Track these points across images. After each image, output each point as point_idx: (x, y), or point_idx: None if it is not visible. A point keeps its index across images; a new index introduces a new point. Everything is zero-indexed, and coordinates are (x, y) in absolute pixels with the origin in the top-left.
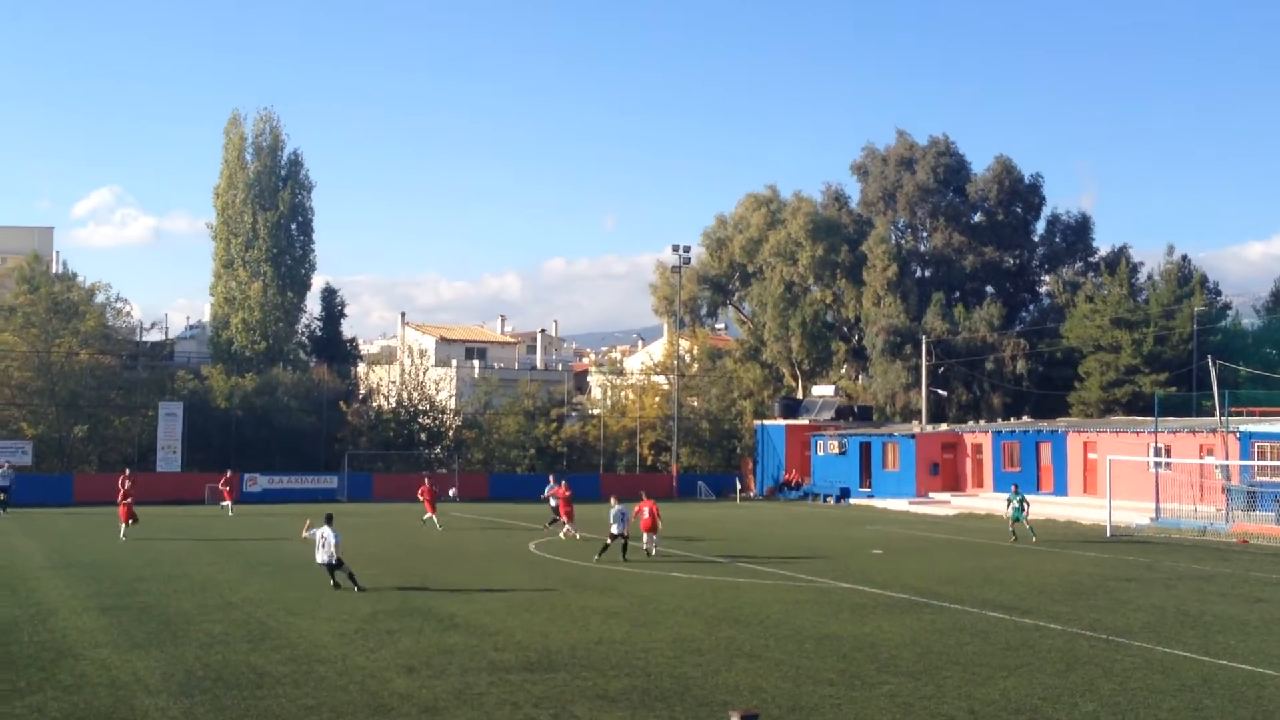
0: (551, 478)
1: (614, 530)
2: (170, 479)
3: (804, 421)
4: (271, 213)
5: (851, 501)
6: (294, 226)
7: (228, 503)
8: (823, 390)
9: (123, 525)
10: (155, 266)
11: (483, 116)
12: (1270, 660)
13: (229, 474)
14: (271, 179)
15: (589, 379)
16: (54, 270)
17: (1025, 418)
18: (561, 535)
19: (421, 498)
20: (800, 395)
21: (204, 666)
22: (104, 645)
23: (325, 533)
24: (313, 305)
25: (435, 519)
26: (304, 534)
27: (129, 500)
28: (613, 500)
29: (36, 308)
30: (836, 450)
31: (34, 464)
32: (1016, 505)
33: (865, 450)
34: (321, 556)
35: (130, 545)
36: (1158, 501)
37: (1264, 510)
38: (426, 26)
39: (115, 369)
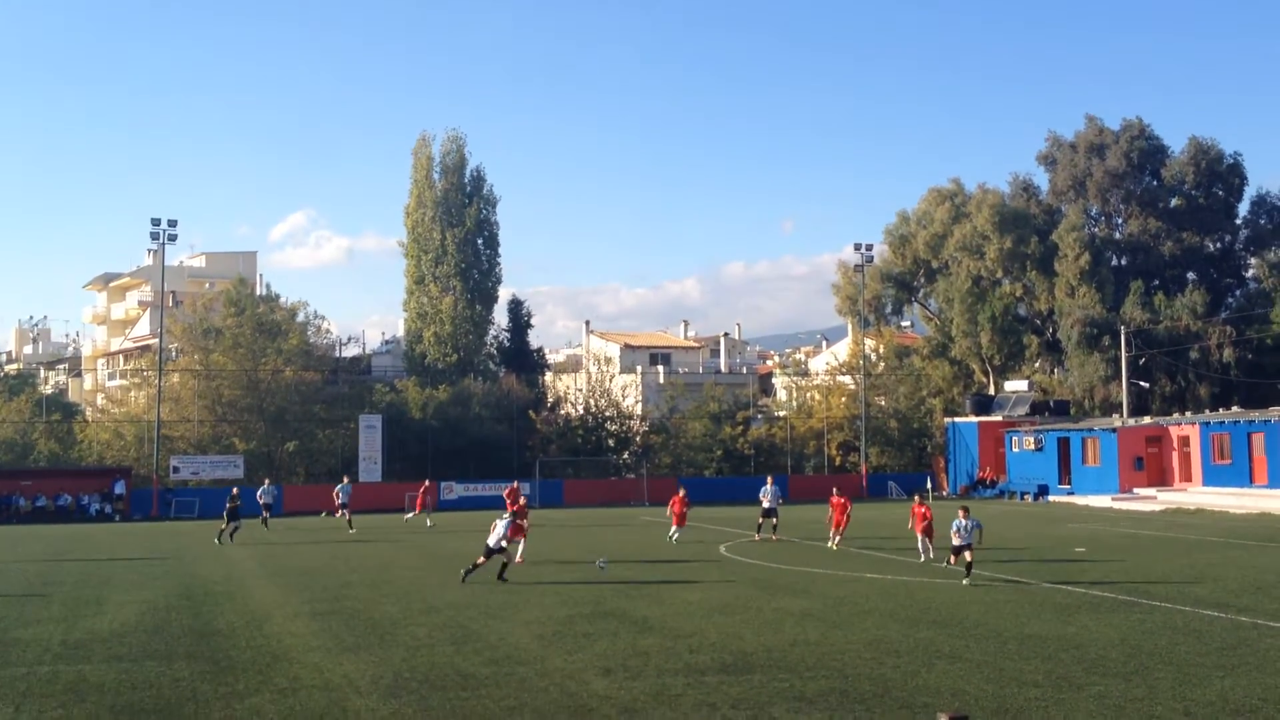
0: (770, 478)
1: (957, 542)
2: (372, 489)
3: (997, 418)
4: (459, 229)
5: (1050, 499)
6: (480, 241)
7: (416, 512)
8: (1016, 385)
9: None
10: (349, 285)
11: (656, 124)
12: None
13: (427, 483)
14: (458, 196)
15: (774, 381)
16: (258, 292)
17: (1235, 408)
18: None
19: (507, 498)
20: (992, 391)
21: (410, 669)
22: (315, 649)
23: (500, 522)
24: (500, 317)
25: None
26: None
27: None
28: (961, 514)
29: (244, 329)
30: (1032, 446)
31: (245, 477)
32: None
33: (1063, 446)
34: (492, 539)
35: (336, 551)
36: None
37: None
38: (599, 36)
39: (318, 385)
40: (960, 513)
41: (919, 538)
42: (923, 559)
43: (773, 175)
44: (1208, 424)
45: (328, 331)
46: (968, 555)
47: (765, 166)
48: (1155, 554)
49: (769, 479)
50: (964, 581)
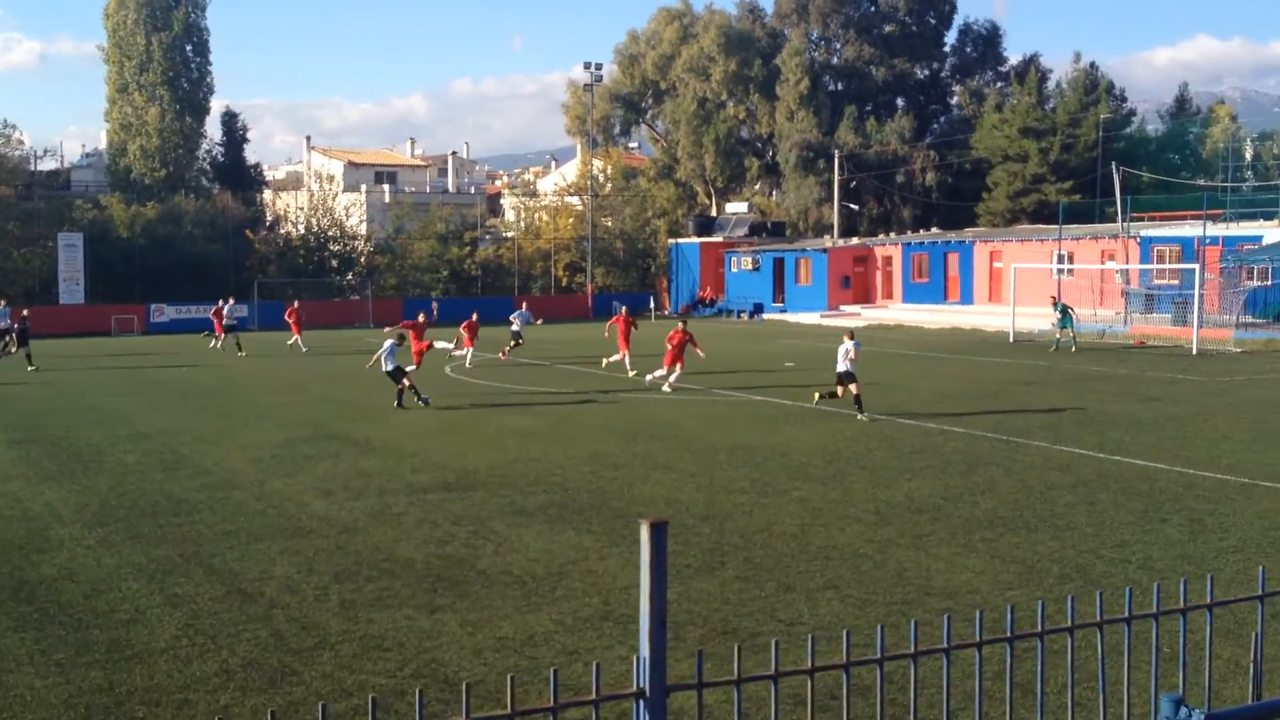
0: (523, 303)
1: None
2: (73, 311)
3: (718, 239)
4: (166, 34)
5: (765, 317)
6: (189, 48)
7: (297, 337)
8: (736, 208)
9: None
10: (43, 93)
11: None
12: (1161, 455)
13: (295, 304)
14: None
15: (502, 201)
16: None
17: (934, 229)
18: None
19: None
20: (714, 213)
21: (118, 496)
22: (13, 478)
23: (387, 344)
24: (213, 131)
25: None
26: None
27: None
28: (846, 337)
29: None
30: (750, 267)
31: None
32: (1060, 317)
33: (778, 266)
34: (388, 365)
35: (37, 377)
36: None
37: (1161, 312)
38: None
39: (10, 200)
40: (846, 336)
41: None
42: (652, 380)
43: None
44: (909, 244)
45: (20, 142)
46: (854, 388)
47: None
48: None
49: (523, 304)
50: (861, 417)
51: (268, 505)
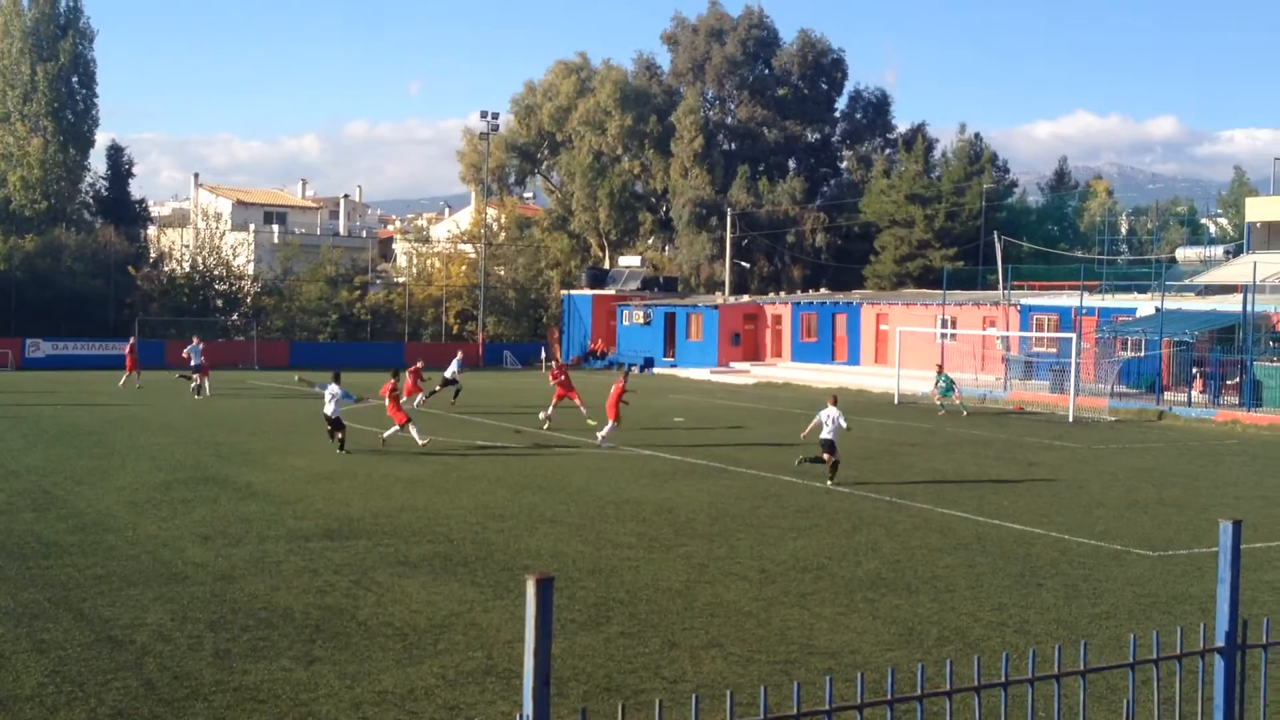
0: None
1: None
2: None
3: (610, 292)
4: (51, 64)
5: (655, 371)
6: (75, 79)
7: (131, 374)
8: (629, 261)
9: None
10: None
11: None
12: (1038, 519)
13: (132, 341)
14: (50, 27)
15: (394, 246)
16: None
17: (823, 290)
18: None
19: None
20: (607, 266)
21: None
22: None
23: (334, 389)
24: (97, 164)
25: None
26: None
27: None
28: (830, 403)
29: None
30: (642, 320)
31: None
32: (944, 385)
33: (670, 320)
34: (330, 409)
35: None
36: (941, 371)
37: (1039, 379)
38: None
39: None
40: (830, 401)
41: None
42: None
43: (399, 33)
44: (798, 304)
45: None
46: (828, 457)
47: (392, 23)
48: (745, 424)
49: (459, 354)
50: (828, 484)
51: (142, 550)
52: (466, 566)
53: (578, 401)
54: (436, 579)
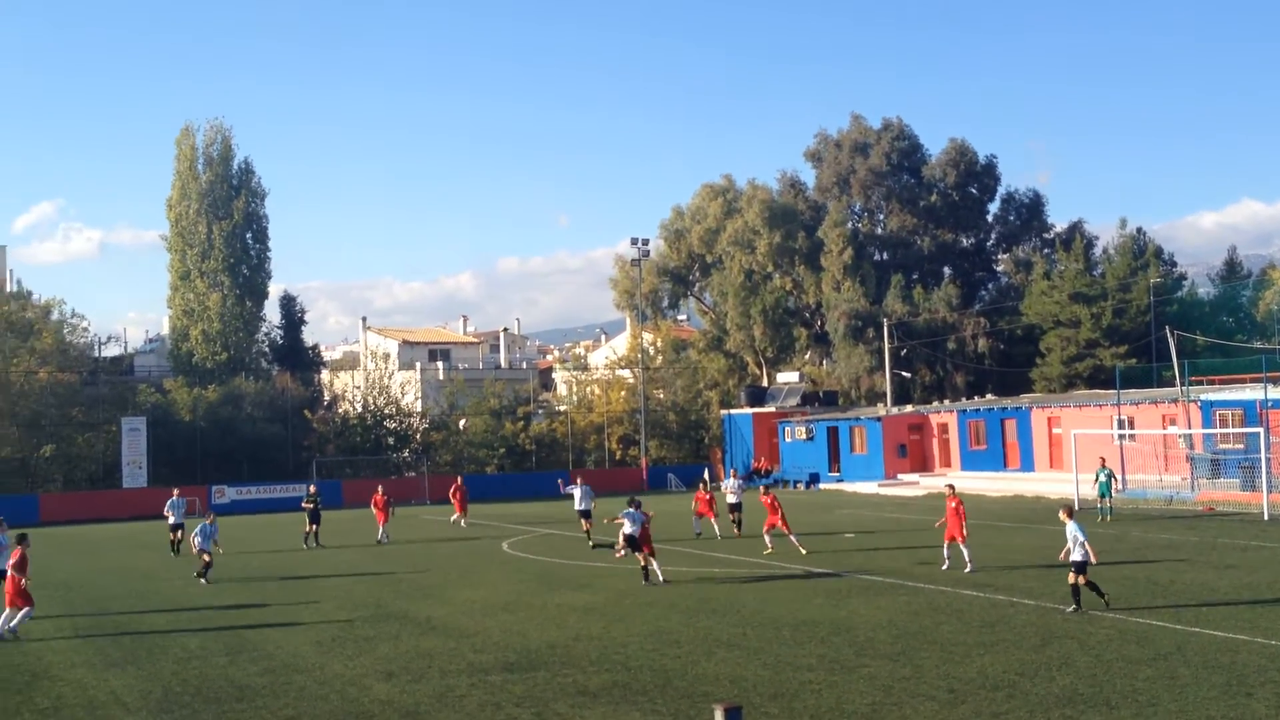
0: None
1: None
2: (136, 495)
3: (770, 409)
4: (226, 222)
5: (821, 486)
6: (249, 235)
7: (458, 515)
8: (787, 377)
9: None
10: (103, 281)
11: (429, 118)
12: (1241, 626)
13: (459, 480)
14: (224, 188)
15: (554, 375)
16: (8, 289)
17: (989, 395)
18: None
19: (374, 507)
20: (765, 383)
21: (181, 682)
22: (79, 665)
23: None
24: (271, 314)
25: (384, 530)
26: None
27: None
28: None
29: None
30: (804, 436)
31: None
32: (1103, 481)
33: (832, 435)
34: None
35: (96, 563)
36: (1124, 473)
37: (1228, 477)
38: (377, 32)
39: (75, 386)
40: (1063, 514)
41: (711, 522)
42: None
43: (547, 169)
44: (964, 411)
45: (86, 330)
46: (1082, 578)
47: (539, 160)
48: (918, 537)
49: (578, 479)
50: (1104, 604)
51: (330, 689)
52: (646, 695)
53: (713, 520)
54: (617, 709)
